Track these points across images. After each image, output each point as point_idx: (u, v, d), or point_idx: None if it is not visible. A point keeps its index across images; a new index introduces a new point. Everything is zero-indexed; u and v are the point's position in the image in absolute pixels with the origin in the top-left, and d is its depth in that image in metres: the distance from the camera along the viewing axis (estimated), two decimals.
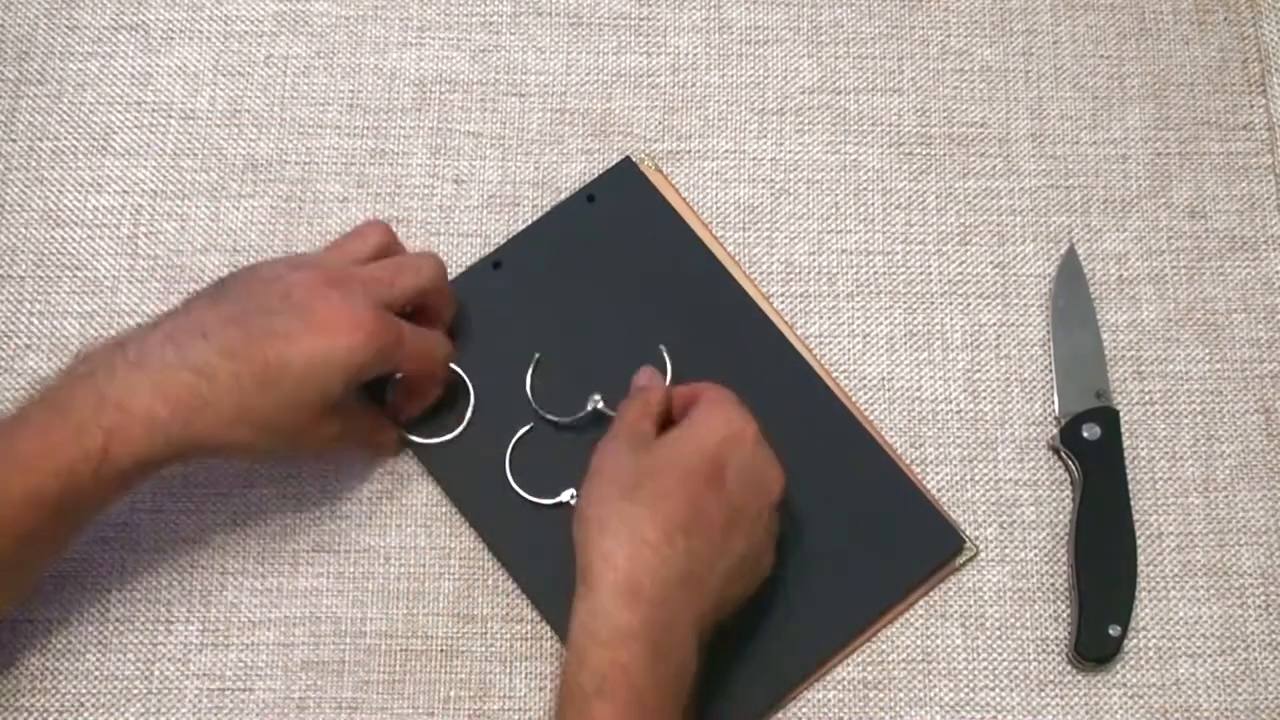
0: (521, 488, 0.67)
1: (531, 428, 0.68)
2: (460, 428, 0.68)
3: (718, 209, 0.74)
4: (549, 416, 0.68)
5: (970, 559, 0.68)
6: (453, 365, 0.67)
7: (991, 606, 0.67)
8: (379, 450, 0.68)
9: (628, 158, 0.74)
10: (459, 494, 0.68)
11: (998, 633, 0.67)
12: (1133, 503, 0.68)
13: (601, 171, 0.74)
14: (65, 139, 0.75)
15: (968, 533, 0.68)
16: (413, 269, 0.65)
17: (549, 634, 0.66)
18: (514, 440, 0.68)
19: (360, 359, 0.59)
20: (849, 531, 0.67)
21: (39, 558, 0.59)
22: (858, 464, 0.68)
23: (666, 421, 0.64)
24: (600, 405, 0.67)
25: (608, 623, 0.55)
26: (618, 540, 0.57)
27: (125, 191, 0.74)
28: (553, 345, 0.69)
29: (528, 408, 0.68)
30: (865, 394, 0.71)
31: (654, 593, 0.55)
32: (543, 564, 0.65)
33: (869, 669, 0.66)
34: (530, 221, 0.73)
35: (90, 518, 0.59)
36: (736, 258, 0.73)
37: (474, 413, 0.68)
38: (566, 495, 0.66)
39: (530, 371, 0.69)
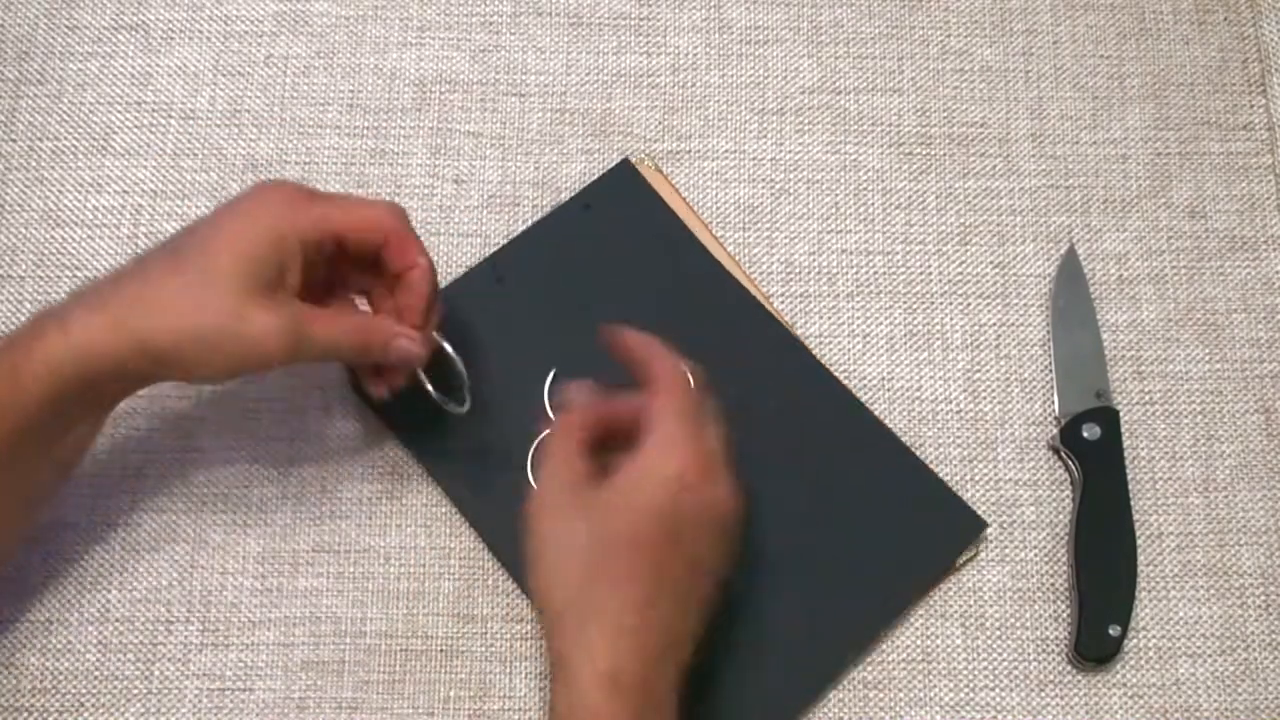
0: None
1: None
2: (465, 405, 0.66)
3: (718, 209, 0.74)
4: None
5: (972, 557, 0.68)
6: (442, 343, 0.64)
7: (991, 606, 0.67)
8: (368, 349, 0.61)
9: (626, 160, 0.74)
10: (460, 495, 0.68)
11: (998, 633, 0.67)
12: (1133, 503, 0.68)
13: (602, 172, 0.74)
14: (65, 139, 0.75)
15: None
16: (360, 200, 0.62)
17: None
18: (533, 447, 0.67)
19: (278, 213, 0.58)
20: (872, 523, 0.67)
21: None
22: (873, 455, 0.69)
23: (610, 435, 0.60)
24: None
25: (590, 715, 0.54)
26: (596, 630, 0.55)
27: (125, 191, 0.74)
28: (555, 354, 0.69)
29: (533, 414, 0.68)
30: (865, 394, 0.71)
31: (635, 676, 0.54)
32: None
33: (869, 669, 0.66)
34: (528, 224, 0.73)
35: (38, 433, 0.57)
36: (736, 258, 0.73)
37: (473, 398, 0.66)
38: None
39: (548, 383, 0.68)
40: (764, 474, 0.67)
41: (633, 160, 0.74)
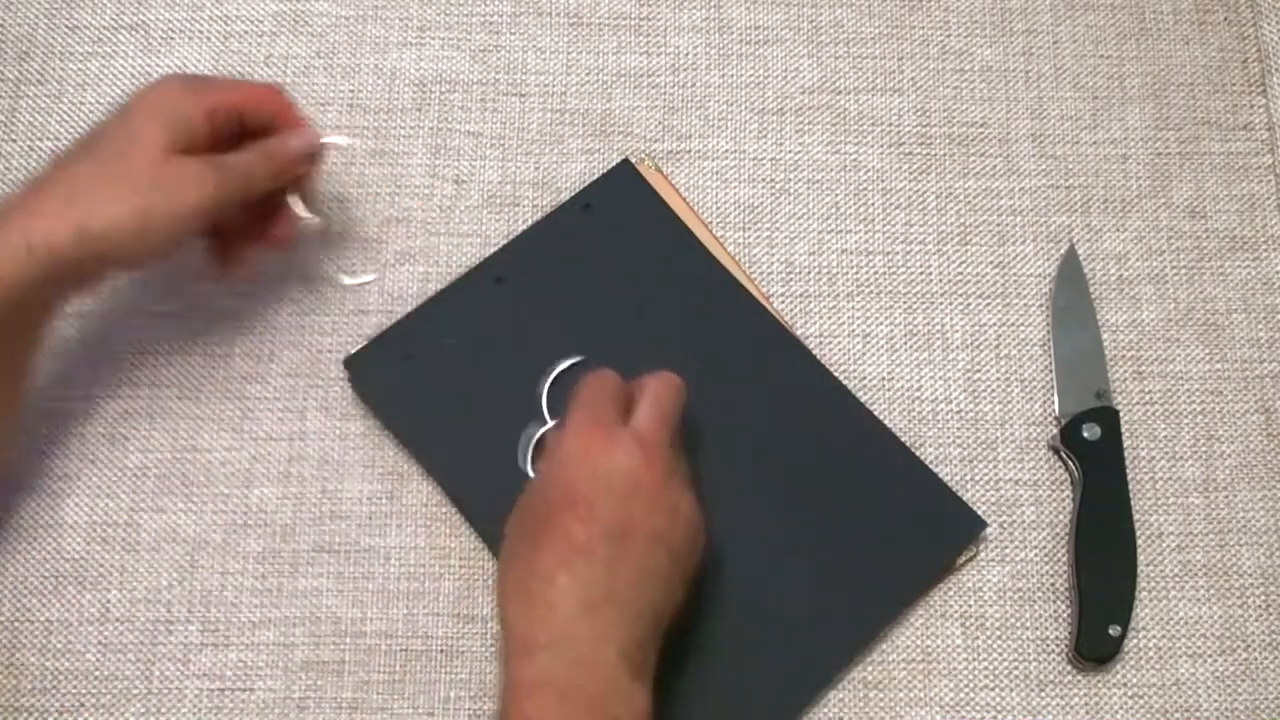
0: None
1: (544, 432, 0.68)
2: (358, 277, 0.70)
3: (718, 209, 0.74)
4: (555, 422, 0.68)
5: (972, 557, 0.68)
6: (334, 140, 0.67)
7: (991, 606, 0.67)
8: (274, 156, 0.65)
9: (626, 160, 0.74)
10: (459, 494, 0.68)
11: (998, 633, 0.67)
12: (1133, 503, 0.68)
13: (602, 172, 0.74)
14: (65, 139, 0.75)
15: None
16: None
17: None
18: (531, 444, 0.67)
19: (180, 94, 0.62)
20: (872, 523, 0.67)
21: None
22: (873, 455, 0.69)
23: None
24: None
25: (512, 682, 0.55)
26: (512, 603, 0.57)
27: None
28: (555, 353, 0.69)
29: (532, 413, 0.68)
30: (865, 394, 0.71)
31: (548, 637, 0.55)
32: None
33: (869, 669, 0.66)
34: (528, 224, 0.73)
35: None
36: (736, 258, 0.73)
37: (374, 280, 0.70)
38: None
39: (547, 383, 0.68)
40: (763, 474, 0.68)
41: (633, 160, 0.74)
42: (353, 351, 0.69)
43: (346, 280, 0.71)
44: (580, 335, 0.70)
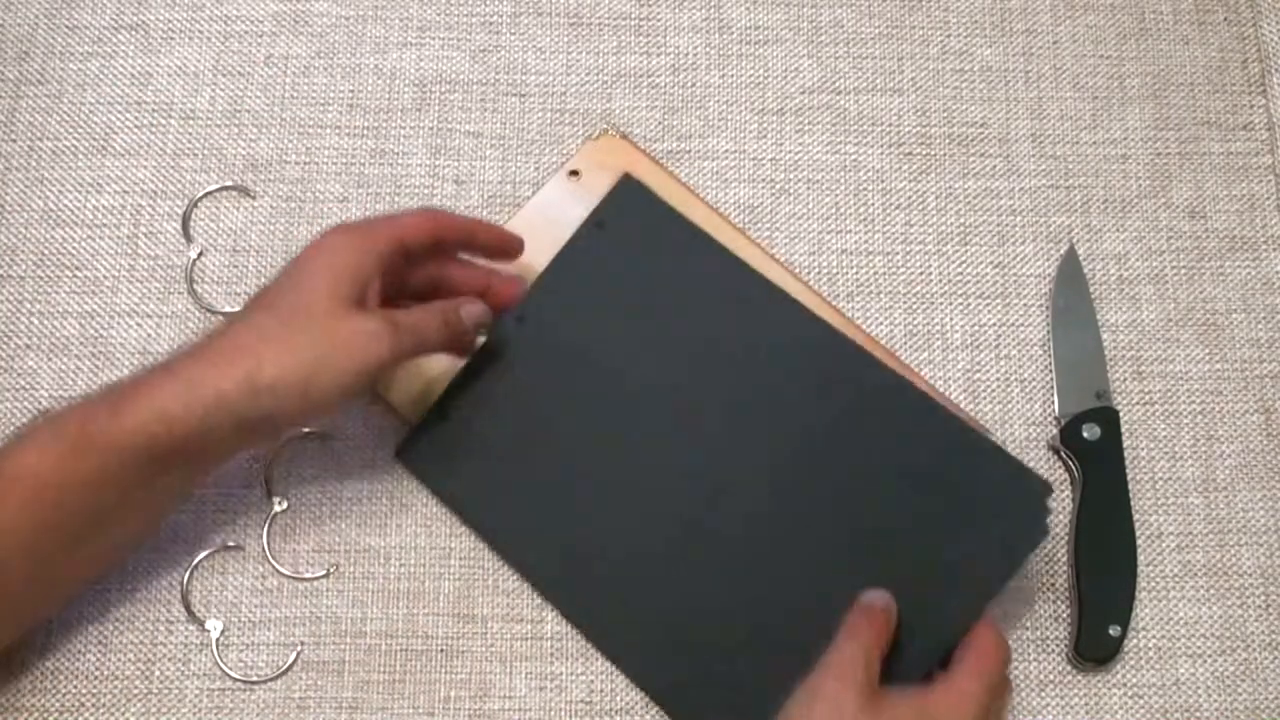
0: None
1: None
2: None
3: (717, 209, 0.74)
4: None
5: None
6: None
7: (992, 606, 0.67)
8: (447, 322, 0.64)
9: (626, 174, 0.72)
10: (462, 507, 0.68)
11: None
12: (1133, 503, 0.68)
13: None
14: (65, 139, 0.75)
15: None
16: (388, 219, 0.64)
17: (549, 634, 0.66)
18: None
19: (347, 243, 0.61)
20: (952, 517, 0.63)
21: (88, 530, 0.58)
22: (943, 445, 0.64)
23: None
24: None
25: None
26: None
27: (125, 191, 0.74)
28: (586, 386, 0.68)
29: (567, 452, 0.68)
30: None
31: None
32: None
33: None
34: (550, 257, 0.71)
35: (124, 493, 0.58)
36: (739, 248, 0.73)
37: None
38: None
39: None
40: (830, 480, 0.65)
41: (593, 136, 0.74)
42: (401, 441, 0.69)
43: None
44: (616, 363, 0.68)
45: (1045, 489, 0.63)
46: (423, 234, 0.64)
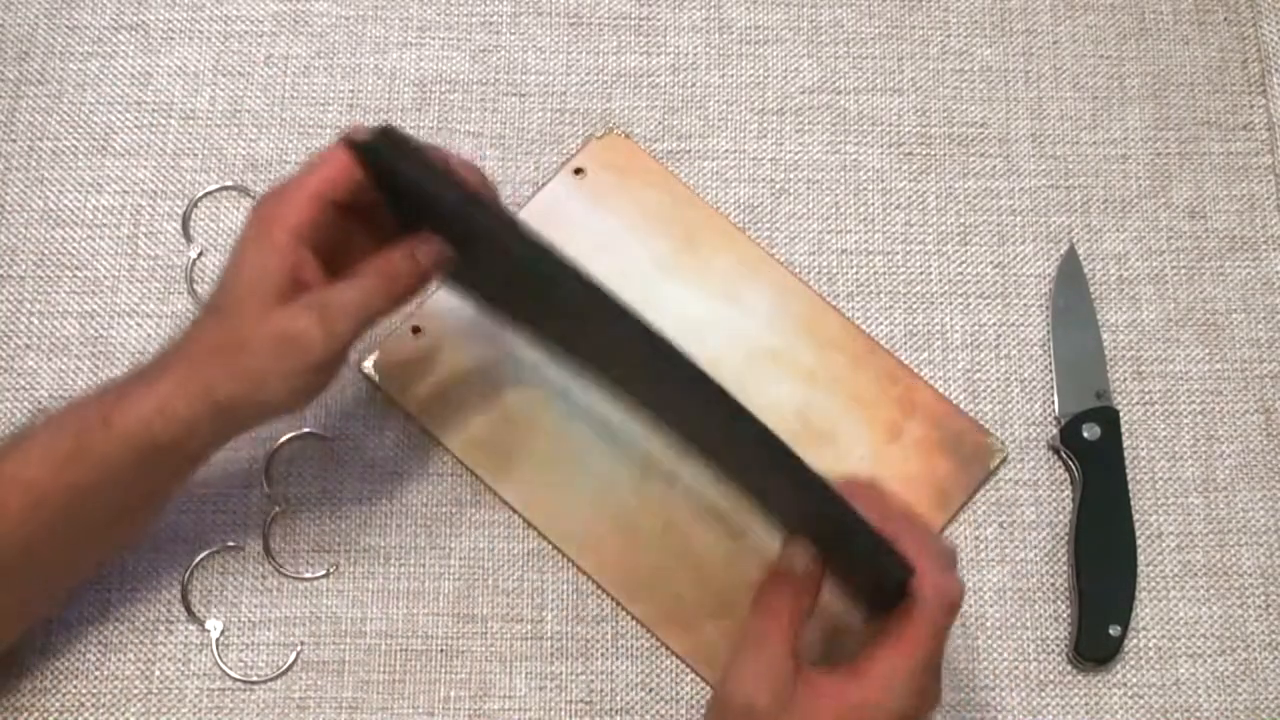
0: None
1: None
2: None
3: (718, 209, 0.74)
4: None
5: (1002, 460, 0.68)
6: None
7: (991, 606, 0.67)
8: (394, 279, 0.58)
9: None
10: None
11: (998, 633, 0.67)
12: (1133, 503, 0.68)
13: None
14: (65, 139, 0.75)
15: (965, 532, 0.68)
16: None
17: (549, 633, 0.66)
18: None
19: (260, 227, 0.58)
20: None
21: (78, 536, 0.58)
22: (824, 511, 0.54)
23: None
24: None
25: None
26: None
27: (125, 191, 0.74)
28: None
29: None
30: None
31: None
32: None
33: None
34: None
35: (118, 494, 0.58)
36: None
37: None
38: None
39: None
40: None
41: (598, 135, 0.74)
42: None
43: None
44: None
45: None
46: (342, 186, 0.58)
